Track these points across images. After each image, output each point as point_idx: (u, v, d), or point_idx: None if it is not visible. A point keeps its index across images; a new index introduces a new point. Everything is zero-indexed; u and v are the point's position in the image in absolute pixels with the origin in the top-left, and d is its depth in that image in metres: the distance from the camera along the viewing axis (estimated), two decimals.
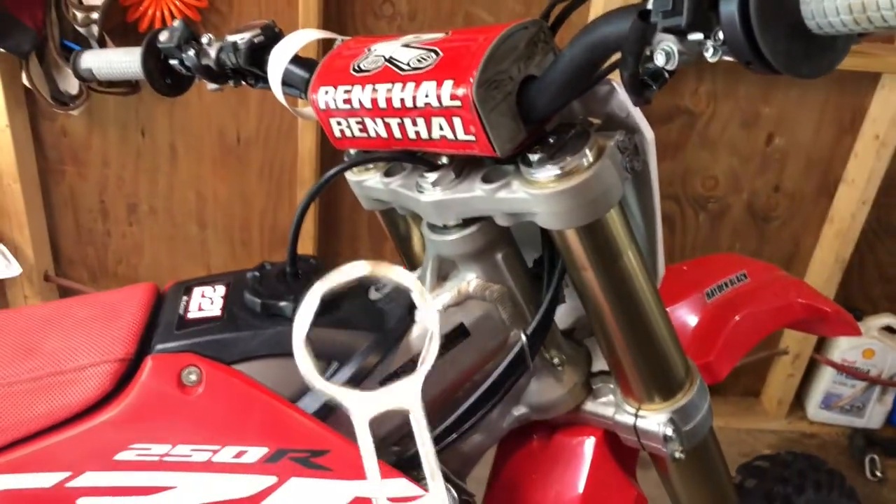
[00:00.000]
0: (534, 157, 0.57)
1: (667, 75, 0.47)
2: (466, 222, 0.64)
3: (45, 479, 0.63)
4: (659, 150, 0.66)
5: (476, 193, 0.61)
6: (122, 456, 0.63)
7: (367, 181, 0.71)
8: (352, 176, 0.72)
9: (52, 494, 0.63)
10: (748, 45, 0.38)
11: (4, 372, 0.64)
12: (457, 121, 0.56)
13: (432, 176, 0.63)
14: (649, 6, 0.43)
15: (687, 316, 0.84)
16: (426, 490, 0.63)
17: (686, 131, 1.82)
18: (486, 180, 0.61)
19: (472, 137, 0.56)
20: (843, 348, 2.02)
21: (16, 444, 0.64)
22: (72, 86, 1.67)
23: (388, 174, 0.69)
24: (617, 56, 0.51)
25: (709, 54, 0.41)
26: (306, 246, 1.87)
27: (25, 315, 0.70)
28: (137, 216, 1.95)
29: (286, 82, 0.70)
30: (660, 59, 0.44)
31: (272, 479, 0.62)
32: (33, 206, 1.85)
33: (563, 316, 0.79)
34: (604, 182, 0.57)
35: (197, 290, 0.70)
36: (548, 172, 0.57)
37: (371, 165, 0.71)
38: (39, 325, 0.68)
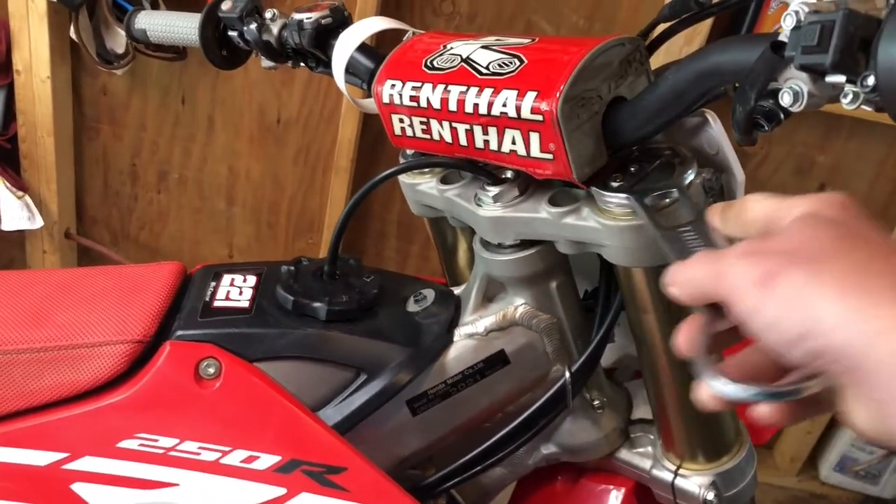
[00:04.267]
0: (613, 185, 0.52)
1: (782, 116, 0.42)
2: (524, 244, 0.60)
3: (40, 457, 0.59)
4: None
5: (540, 215, 0.56)
6: (126, 444, 0.58)
7: (422, 185, 0.66)
8: (406, 178, 0.68)
9: (46, 474, 0.59)
10: None
11: (12, 337, 0.60)
12: (534, 136, 0.52)
13: (494, 190, 0.58)
14: (783, 38, 0.38)
15: None
16: None
17: None
18: (553, 203, 0.56)
19: (549, 156, 0.52)
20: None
21: (14, 417, 0.60)
22: (118, 45, 1.63)
23: (445, 181, 0.65)
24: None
25: (846, 101, 0.36)
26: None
27: (42, 279, 0.66)
28: (167, 184, 1.91)
29: (349, 70, 0.66)
30: (785, 100, 0.39)
31: (281, 491, 0.58)
32: (64, 162, 1.82)
33: (607, 355, 0.74)
34: None
35: (227, 277, 0.65)
36: (625, 204, 0.52)
37: (428, 170, 0.66)
38: (56, 291, 0.64)
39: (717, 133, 0.54)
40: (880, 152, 1.73)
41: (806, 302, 0.32)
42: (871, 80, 0.34)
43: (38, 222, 1.75)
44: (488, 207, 0.59)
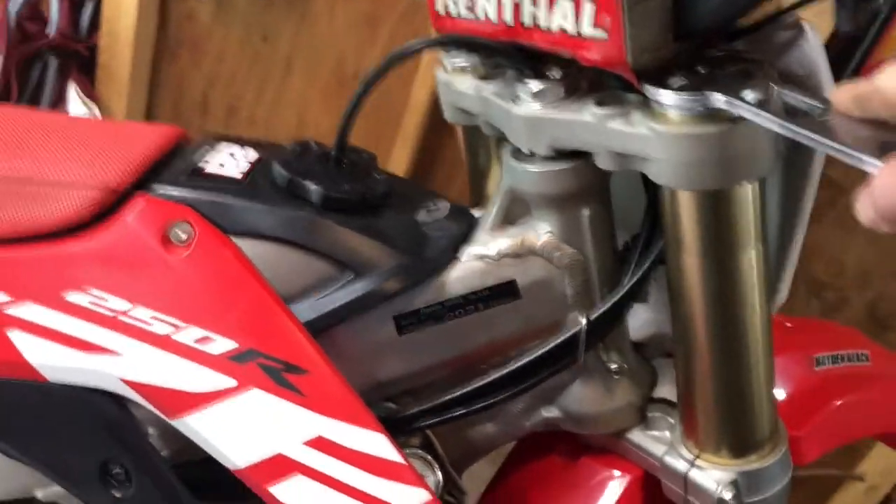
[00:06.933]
0: (673, 83, 0.43)
1: None
2: (559, 157, 0.51)
3: None
4: None
5: (583, 117, 0.48)
6: (74, 298, 0.52)
7: (459, 84, 0.58)
8: (443, 75, 0.60)
9: None
10: None
11: None
12: (587, 8, 0.43)
13: (536, 85, 0.50)
14: None
15: (786, 374, 0.68)
16: (407, 461, 0.50)
17: (824, 204, 1.61)
18: (600, 104, 0.47)
19: (601, 34, 0.43)
20: None
21: None
22: None
23: (485, 78, 0.56)
24: None
25: None
26: None
27: (31, 117, 0.60)
28: (236, 121, 1.88)
29: None
30: None
31: (230, 382, 0.50)
32: (139, 79, 1.81)
33: (639, 326, 0.64)
34: (753, 142, 0.43)
35: (226, 147, 0.58)
36: (690, 106, 0.43)
37: (468, 66, 0.58)
38: (40, 128, 0.58)
39: (812, 47, 0.45)
40: None
41: None
42: None
43: None
44: (526, 105, 0.50)
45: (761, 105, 0.40)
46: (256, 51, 1.79)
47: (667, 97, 0.42)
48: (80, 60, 1.73)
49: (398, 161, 1.74)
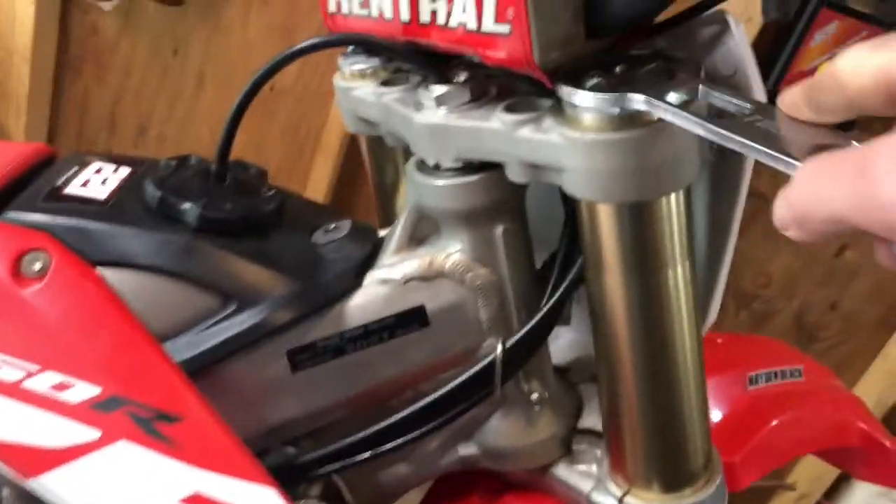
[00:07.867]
0: (587, 83, 0.38)
1: None
2: (467, 169, 0.46)
3: None
4: None
5: (491, 124, 0.43)
6: None
7: (358, 90, 0.53)
8: (341, 81, 0.54)
9: None
10: None
11: None
12: (489, 0, 0.38)
13: (439, 89, 0.44)
14: None
15: (720, 396, 0.64)
16: None
17: (750, 216, 1.61)
18: (509, 110, 0.42)
19: (504, 29, 0.38)
20: (857, 501, 1.78)
21: None
22: None
23: (386, 84, 0.51)
24: None
25: None
26: None
27: None
28: (145, 140, 1.79)
29: None
30: None
31: (93, 434, 0.43)
32: (40, 97, 1.70)
33: (562, 348, 0.60)
34: (676, 148, 0.38)
35: (95, 165, 0.52)
36: (605, 109, 0.38)
37: (368, 70, 0.52)
38: None
39: (738, 43, 0.41)
40: None
41: None
42: None
43: None
44: (429, 112, 0.45)
45: (686, 107, 0.35)
46: (166, 64, 1.70)
47: (581, 98, 0.38)
48: None
49: (320, 177, 1.67)
